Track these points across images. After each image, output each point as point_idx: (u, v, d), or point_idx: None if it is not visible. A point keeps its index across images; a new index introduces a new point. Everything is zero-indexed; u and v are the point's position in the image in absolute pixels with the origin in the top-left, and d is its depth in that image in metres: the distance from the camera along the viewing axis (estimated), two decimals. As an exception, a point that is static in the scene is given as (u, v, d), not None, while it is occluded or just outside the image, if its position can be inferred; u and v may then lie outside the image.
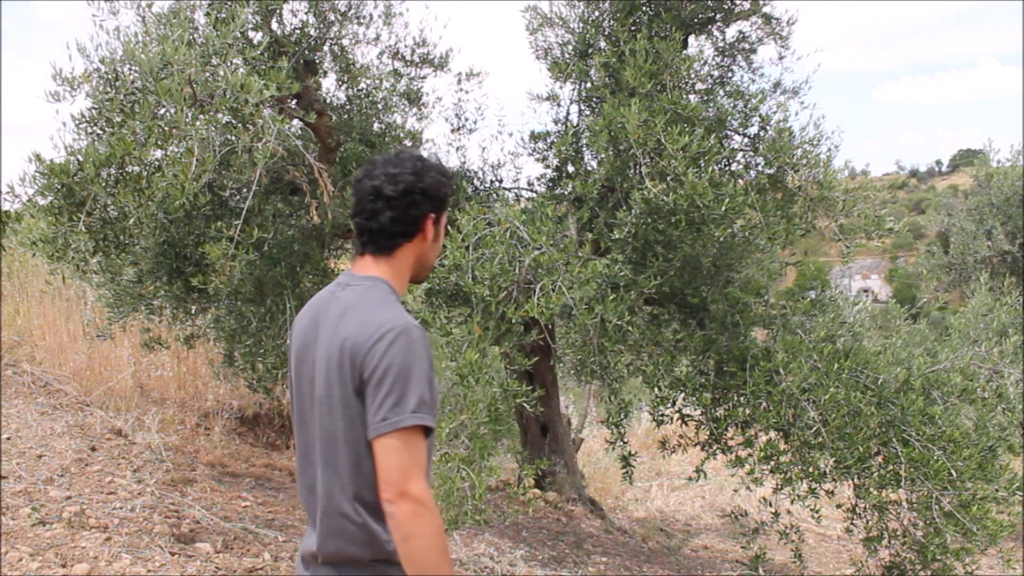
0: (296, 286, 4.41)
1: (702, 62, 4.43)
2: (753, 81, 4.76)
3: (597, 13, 4.59)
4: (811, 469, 3.95)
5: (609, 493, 7.73)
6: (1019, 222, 8.16)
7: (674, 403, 4.50)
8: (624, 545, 5.82)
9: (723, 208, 3.70)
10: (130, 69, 3.47)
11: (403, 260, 1.68)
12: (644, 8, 4.44)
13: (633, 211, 3.89)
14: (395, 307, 1.61)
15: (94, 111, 3.51)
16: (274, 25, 4.28)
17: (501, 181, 5.09)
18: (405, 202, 1.63)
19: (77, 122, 3.51)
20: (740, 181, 4.39)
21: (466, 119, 5.05)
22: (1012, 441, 4.35)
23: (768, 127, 4.29)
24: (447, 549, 1.48)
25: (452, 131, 5.06)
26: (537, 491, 5.98)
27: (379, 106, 4.76)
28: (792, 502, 4.05)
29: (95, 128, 3.53)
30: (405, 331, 1.54)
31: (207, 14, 3.82)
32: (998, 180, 8.35)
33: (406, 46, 4.79)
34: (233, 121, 3.63)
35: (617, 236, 3.91)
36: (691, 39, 4.66)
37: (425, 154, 1.74)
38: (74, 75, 3.41)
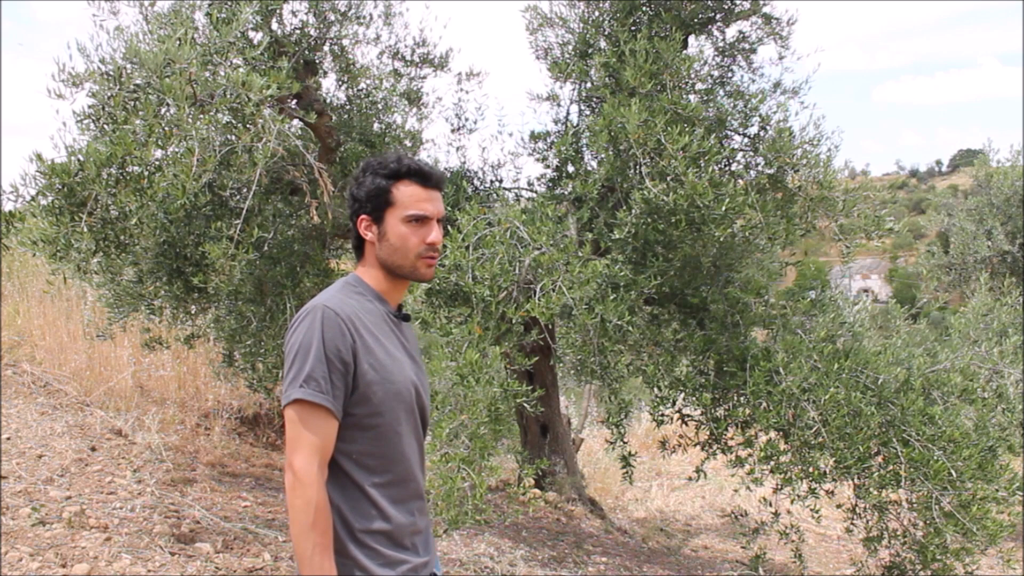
0: (296, 286, 4.41)
1: (702, 62, 4.43)
2: (753, 81, 4.77)
3: (597, 13, 4.59)
4: (811, 469, 3.95)
5: (609, 493, 7.73)
6: (1019, 222, 8.16)
7: (674, 403, 4.50)
8: (624, 545, 5.82)
9: (723, 208, 3.70)
10: (133, 67, 3.47)
11: (368, 259, 1.74)
12: (644, 8, 4.44)
13: (633, 211, 3.89)
14: (327, 292, 1.68)
15: (97, 108, 3.51)
16: (274, 25, 4.28)
17: (501, 181, 5.09)
18: (349, 209, 1.73)
19: (79, 118, 3.52)
20: (740, 181, 4.39)
21: (466, 119, 5.05)
22: (1012, 441, 4.35)
23: (768, 127, 4.29)
24: (314, 525, 1.52)
25: (452, 131, 5.07)
26: (537, 491, 5.98)
27: (379, 106, 4.77)
28: (792, 502, 4.05)
29: (98, 125, 3.53)
30: (312, 311, 1.61)
31: (207, 14, 3.82)
32: (998, 180, 8.35)
33: (406, 46, 4.80)
34: (233, 121, 3.63)
35: (617, 236, 3.91)
36: (691, 39, 4.66)
37: (396, 154, 1.72)
38: (75, 72, 3.41)
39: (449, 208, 4.36)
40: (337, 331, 1.58)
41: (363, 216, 1.70)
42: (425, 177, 1.67)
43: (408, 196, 1.67)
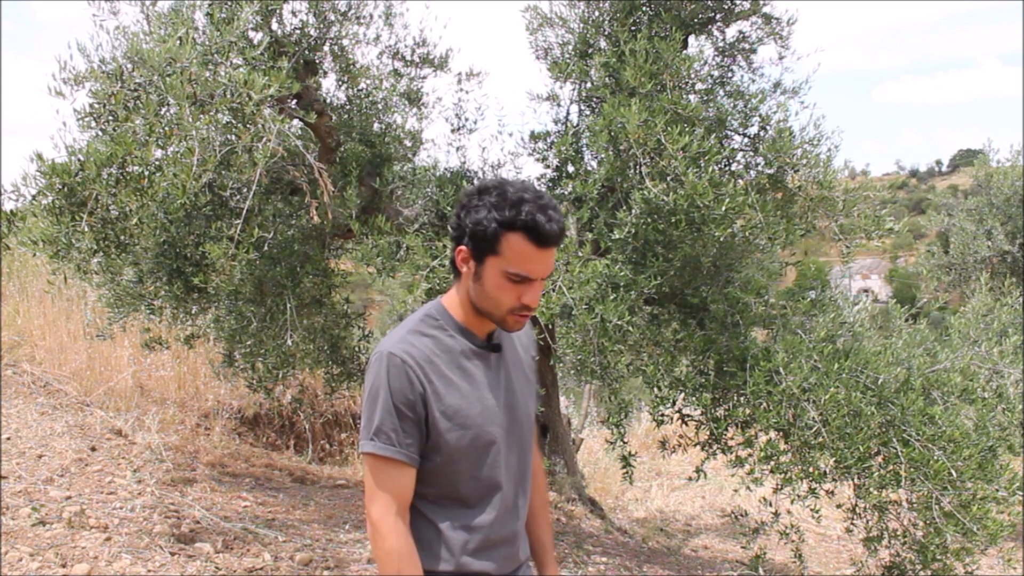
0: (296, 286, 4.41)
1: (702, 62, 4.43)
2: (753, 81, 4.76)
3: (597, 13, 4.59)
4: (811, 469, 3.95)
5: (609, 493, 7.73)
6: (1019, 222, 8.16)
7: (674, 403, 4.50)
8: (624, 545, 5.82)
9: (723, 208, 3.70)
10: (134, 66, 3.47)
11: (460, 287, 1.64)
12: (644, 8, 4.44)
13: (633, 211, 3.89)
14: (399, 331, 1.62)
15: (98, 107, 3.51)
16: (274, 25, 4.28)
17: (501, 181, 5.09)
18: (452, 228, 1.61)
19: (80, 117, 3.52)
20: (740, 181, 4.38)
21: (466, 119, 5.05)
22: (1012, 441, 4.35)
23: (768, 127, 4.29)
24: (400, 571, 1.52)
25: (452, 131, 5.06)
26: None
27: (379, 106, 4.76)
28: (792, 502, 4.05)
29: (99, 124, 3.53)
30: (379, 358, 1.56)
31: (207, 14, 3.82)
32: (998, 180, 8.34)
33: (406, 46, 4.80)
34: (233, 121, 3.63)
35: (617, 236, 3.91)
36: (691, 39, 4.66)
37: (519, 192, 1.51)
38: (77, 71, 3.42)
39: (449, 208, 4.36)
40: (404, 380, 1.53)
41: (462, 248, 1.57)
42: (542, 237, 1.48)
43: (516, 253, 1.50)
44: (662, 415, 4.47)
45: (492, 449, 1.59)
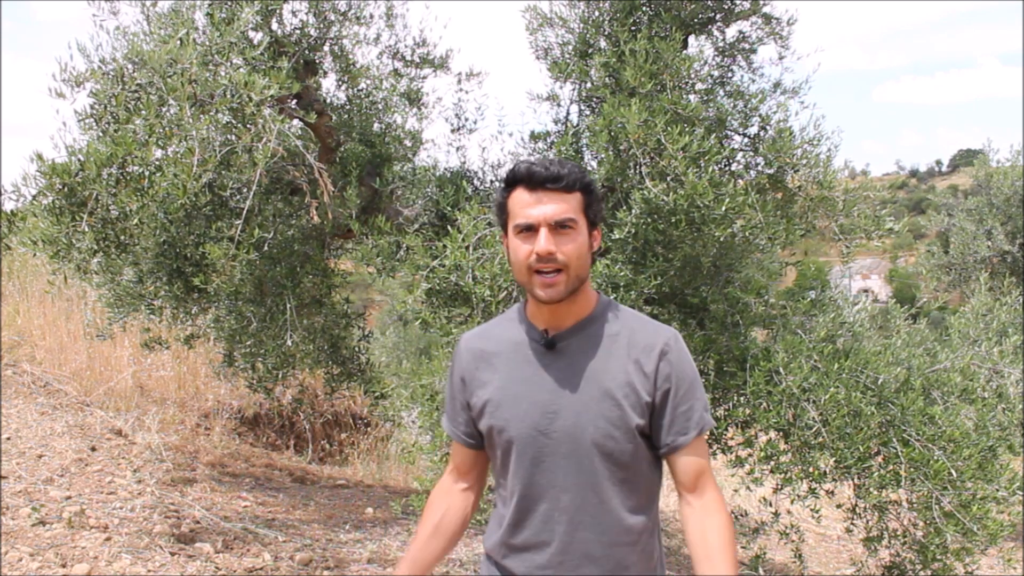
0: (296, 286, 4.41)
1: (702, 62, 4.42)
2: (753, 81, 4.76)
3: (597, 13, 4.59)
4: (811, 469, 3.95)
5: (609, 493, 7.71)
6: (1019, 222, 8.16)
7: (674, 403, 4.49)
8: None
9: (723, 208, 3.70)
10: (135, 66, 3.47)
11: None
12: (644, 8, 4.44)
13: (633, 211, 3.89)
14: (486, 323, 1.74)
15: (98, 108, 3.51)
16: (274, 25, 4.28)
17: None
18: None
19: (81, 118, 3.52)
20: (740, 181, 4.38)
21: (466, 119, 5.05)
22: (1012, 441, 4.35)
23: (768, 127, 4.29)
24: (423, 514, 1.74)
25: (452, 131, 5.06)
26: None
27: (379, 106, 4.76)
28: (792, 502, 4.05)
29: (99, 125, 3.54)
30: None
31: (208, 14, 3.82)
32: (998, 180, 8.34)
33: (406, 46, 4.80)
34: (233, 121, 3.63)
35: (617, 236, 3.91)
36: (691, 39, 4.66)
37: (522, 161, 1.56)
38: (77, 72, 3.42)
39: (449, 208, 4.35)
40: (456, 365, 1.66)
41: (503, 235, 1.58)
42: (532, 179, 1.47)
43: (516, 204, 1.50)
44: (662, 415, 4.47)
45: (514, 448, 1.54)
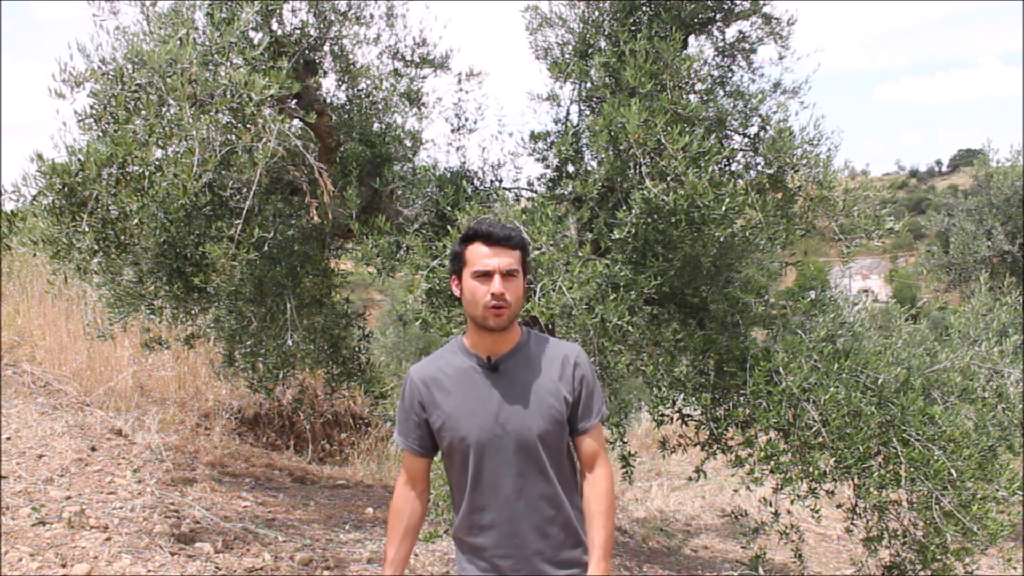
0: (296, 286, 4.41)
1: (702, 62, 4.42)
2: (753, 81, 4.76)
3: (597, 13, 4.59)
4: (811, 469, 3.95)
5: (609, 493, 7.71)
6: (1019, 222, 8.15)
7: (674, 403, 4.50)
8: (624, 545, 5.82)
9: (723, 208, 3.70)
10: (135, 66, 3.47)
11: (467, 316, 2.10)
12: (644, 8, 4.44)
13: (633, 211, 3.89)
14: (428, 357, 2.13)
15: (98, 108, 3.51)
16: (274, 25, 4.28)
17: (501, 181, 5.08)
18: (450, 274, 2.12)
19: (81, 118, 3.52)
20: (740, 181, 4.38)
21: (466, 119, 5.05)
22: (1012, 441, 4.35)
23: (768, 127, 4.29)
24: (389, 520, 2.13)
25: (452, 131, 5.06)
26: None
27: (379, 106, 4.76)
28: (792, 502, 4.05)
29: (99, 125, 3.53)
30: (406, 376, 2.10)
31: (208, 14, 3.82)
32: (998, 180, 8.34)
33: (406, 46, 4.80)
34: (233, 121, 3.63)
35: (617, 236, 3.91)
36: (691, 39, 4.66)
37: (476, 220, 2.12)
38: (77, 72, 3.41)
39: (449, 208, 4.35)
40: (411, 392, 2.06)
41: (453, 277, 2.04)
42: (487, 237, 1.95)
43: (474, 255, 1.96)
44: (662, 415, 4.47)
45: (472, 449, 1.98)
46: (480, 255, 1.95)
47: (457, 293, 2.03)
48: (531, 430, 1.97)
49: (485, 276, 1.94)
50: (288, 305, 4.27)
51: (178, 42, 3.34)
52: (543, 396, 1.99)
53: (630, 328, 3.83)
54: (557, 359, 2.04)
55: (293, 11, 4.39)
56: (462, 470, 2.01)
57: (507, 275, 1.94)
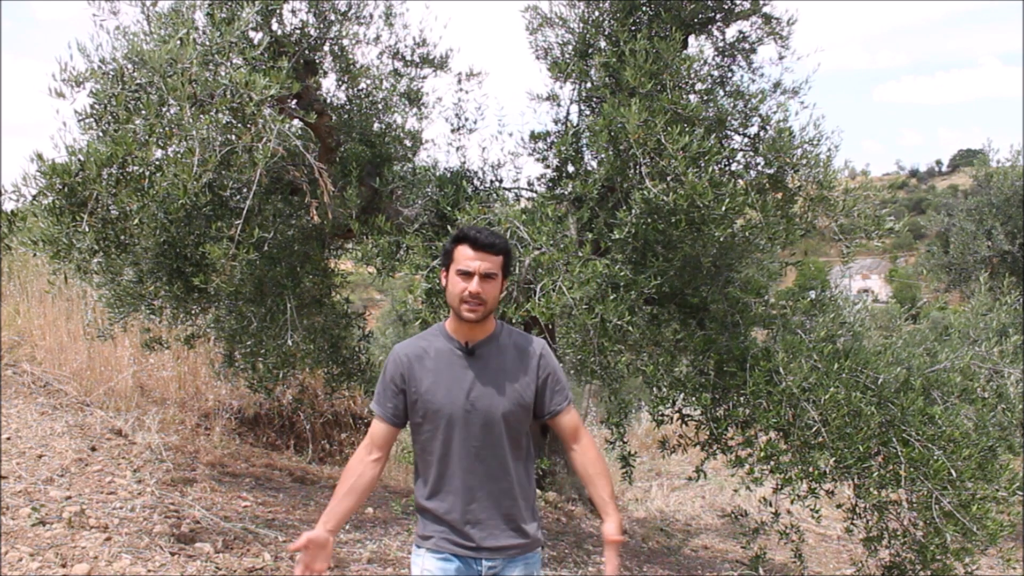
0: (296, 286, 4.41)
1: (702, 62, 4.42)
2: (753, 81, 4.76)
3: (597, 13, 4.59)
4: (811, 469, 3.95)
5: (609, 493, 7.71)
6: (1019, 222, 8.16)
7: (674, 403, 4.50)
8: (624, 545, 5.82)
9: (723, 208, 3.70)
10: (135, 66, 3.47)
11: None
12: (644, 8, 4.44)
13: (633, 211, 3.89)
14: (412, 337, 2.35)
15: (98, 108, 3.51)
16: (274, 25, 4.28)
17: (501, 181, 5.09)
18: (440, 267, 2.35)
19: (80, 118, 3.52)
20: (740, 181, 4.38)
21: (466, 119, 5.05)
22: (1012, 441, 4.35)
23: (768, 127, 4.29)
24: (341, 479, 2.29)
25: (452, 131, 5.06)
26: (537, 491, 5.97)
27: (379, 106, 4.76)
28: (792, 502, 4.05)
29: (99, 125, 3.53)
30: (391, 351, 2.33)
31: (208, 14, 3.82)
32: (998, 180, 8.34)
33: (406, 46, 4.80)
34: (233, 121, 3.63)
35: (617, 236, 3.91)
36: (691, 39, 4.66)
37: (467, 226, 2.40)
38: (77, 72, 3.42)
39: (449, 208, 4.35)
40: (395, 365, 2.28)
41: (443, 269, 2.28)
42: (473, 241, 2.19)
43: (461, 254, 2.20)
44: (662, 415, 4.47)
45: (445, 421, 2.21)
46: (465, 256, 2.19)
47: (443, 284, 2.27)
48: (497, 409, 2.23)
49: (467, 275, 2.18)
50: (288, 305, 4.27)
51: (178, 42, 3.34)
52: (511, 381, 2.26)
53: (630, 328, 3.83)
54: (525, 350, 2.31)
55: (293, 11, 4.39)
56: (431, 439, 2.24)
57: (486, 277, 2.19)
